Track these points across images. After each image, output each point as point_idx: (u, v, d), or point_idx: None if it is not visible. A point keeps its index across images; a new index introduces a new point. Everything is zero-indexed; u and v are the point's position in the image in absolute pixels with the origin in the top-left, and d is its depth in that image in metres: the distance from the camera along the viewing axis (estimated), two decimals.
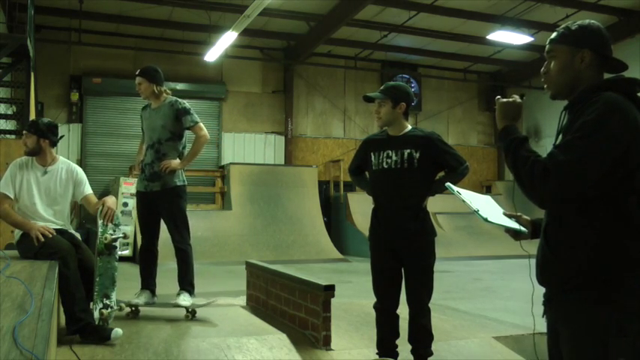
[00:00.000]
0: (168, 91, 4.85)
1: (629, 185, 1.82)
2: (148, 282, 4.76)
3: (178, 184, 4.70)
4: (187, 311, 4.61)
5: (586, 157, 1.77)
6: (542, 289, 2.06)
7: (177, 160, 4.69)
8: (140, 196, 4.78)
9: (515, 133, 1.97)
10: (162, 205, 4.70)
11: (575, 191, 1.80)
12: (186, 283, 4.65)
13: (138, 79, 4.78)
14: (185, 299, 4.59)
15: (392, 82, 3.91)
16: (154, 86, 4.76)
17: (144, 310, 4.70)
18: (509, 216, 2.23)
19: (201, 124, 4.81)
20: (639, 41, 14.67)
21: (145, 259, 4.80)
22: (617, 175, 1.81)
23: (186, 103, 4.84)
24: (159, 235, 4.81)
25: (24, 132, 4.35)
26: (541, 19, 14.64)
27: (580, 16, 13.75)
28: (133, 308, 4.65)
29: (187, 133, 4.83)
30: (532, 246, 2.34)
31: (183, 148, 4.81)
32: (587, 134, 1.79)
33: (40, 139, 4.22)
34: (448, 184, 2.44)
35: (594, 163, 1.78)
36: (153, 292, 4.76)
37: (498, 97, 2.11)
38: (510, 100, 2.05)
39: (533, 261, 2.04)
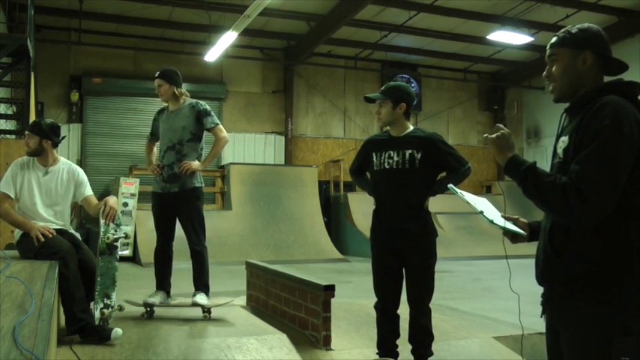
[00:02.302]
0: (187, 93, 4.85)
1: (636, 187, 1.83)
2: (163, 283, 4.76)
3: (197, 185, 4.71)
4: (204, 310, 4.62)
5: (614, 165, 1.77)
6: (538, 289, 2.06)
7: (197, 162, 4.69)
8: (156, 197, 4.77)
9: (524, 162, 1.94)
10: (180, 206, 4.69)
11: (612, 203, 1.79)
12: (202, 285, 4.66)
13: (157, 81, 4.77)
14: (202, 298, 4.60)
15: (392, 82, 3.91)
16: (174, 88, 4.76)
17: (158, 311, 4.70)
18: (507, 219, 2.23)
19: (221, 126, 4.84)
20: (639, 41, 14.68)
21: (160, 260, 4.79)
22: (628, 178, 1.81)
23: (207, 105, 4.84)
24: (174, 237, 4.81)
25: (26, 132, 4.35)
26: (541, 19, 14.64)
27: (580, 15, 13.75)
28: (148, 309, 4.65)
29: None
30: (516, 247, 2.35)
31: (202, 149, 4.82)
32: (606, 143, 1.79)
33: (43, 139, 4.22)
34: (451, 186, 2.44)
35: (619, 171, 1.78)
36: (168, 293, 4.76)
37: (486, 134, 2.08)
38: (499, 134, 2.03)
39: (512, 262, 2.03)
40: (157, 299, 4.65)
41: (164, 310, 4.76)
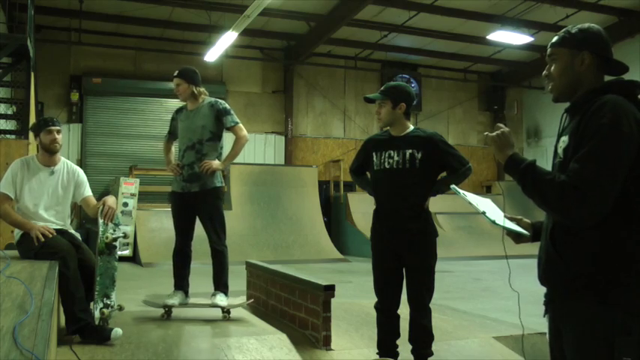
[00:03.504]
0: (206, 92, 4.83)
1: (636, 187, 1.82)
2: (182, 283, 4.74)
3: (217, 185, 4.70)
4: (223, 311, 4.63)
5: (610, 166, 1.77)
6: (539, 289, 2.06)
7: (218, 161, 4.68)
8: (176, 197, 4.75)
9: (524, 160, 1.95)
10: (200, 206, 4.67)
11: (609, 202, 1.79)
12: (222, 285, 4.67)
13: (176, 81, 4.74)
14: (222, 299, 4.61)
15: (392, 83, 3.91)
16: (193, 87, 4.73)
17: (176, 311, 4.70)
18: (511, 219, 2.23)
19: (241, 125, 4.82)
20: (639, 41, 14.68)
21: (179, 260, 4.78)
22: (628, 178, 1.81)
23: (226, 103, 4.83)
24: (193, 236, 4.80)
25: (56, 128, 4.24)
26: (541, 19, 14.65)
27: (580, 15, 13.76)
28: (167, 309, 4.64)
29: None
30: (517, 247, 2.35)
31: (221, 148, 4.81)
32: (603, 142, 1.79)
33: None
34: (453, 186, 2.45)
35: (617, 170, 1.78)
36: (186, 293, 4.75)
37: (486, 133, 2.09)
38: (499, 132, 2.04)
39: (512, 262, 2.03)
40: (176, 300, 4.64)
41: (194, 311, 4.77)
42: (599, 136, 1.80)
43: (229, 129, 4.76)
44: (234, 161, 16.37)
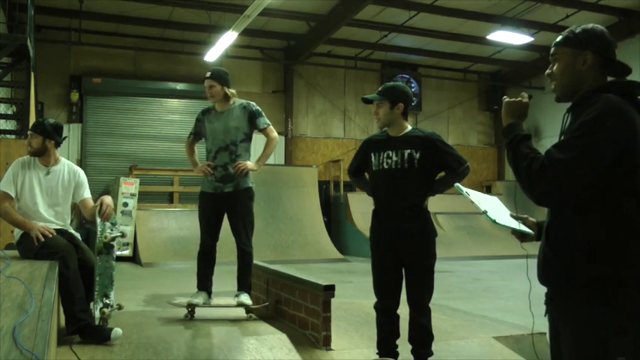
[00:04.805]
0: (235, 93, 4.81)
1: (628, 186, 1.83)
2: (206, 283, 4.73)
3: (250, 185, 4.70)
4: (248, 311, 4.65)
5: (582, 156, 1.79)
6: (542, 289, 2.07)
7: (251, 162, 4.68)
8: (207, 197, 4.73)
9: (518, 131, 2.00)
10: (233, 206, 4.67)
11: (570, 190, 1.82)
12: (246, 285, 4.68)
13: (209, 82, 4.69)
14: (247, 298, 4.62)
15: (390, 83, 3.92)
16: (226, 89, 4.72)
17: (198, 311, 4.71)
18: (516, 218, 2.24)
19: (272, 127, 4.83)
20: (639, 41, 14.68)
21: (205, 260, 4.76)
22: (616, 176, 1.81)
23: (257, 105, 4.84)
24: (219, 237, 4.79)
25: (29, 132, 4.31)
26: (541, 19, 14.65)
27: (580, 15, 13.76)
28: (190, 309, 4.65)
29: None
30: (532, 246, 2.34)
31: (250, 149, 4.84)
32: (585, 134, 1.81)
33: (46, 139, 4.22)
34: (457, 185, 2.46)
35: (590, 163, 1.79)
36: (210, 294, 4.74)
37: (505, 97, 2.12)
38: (516, 99, 2.08)
39: (532, 261, 2.05)
40: (200, 300, 4.64)
41: (217, 311, 4.79)
42: (581, 130, 1.83)
43: (261, 130, 4.76)
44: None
